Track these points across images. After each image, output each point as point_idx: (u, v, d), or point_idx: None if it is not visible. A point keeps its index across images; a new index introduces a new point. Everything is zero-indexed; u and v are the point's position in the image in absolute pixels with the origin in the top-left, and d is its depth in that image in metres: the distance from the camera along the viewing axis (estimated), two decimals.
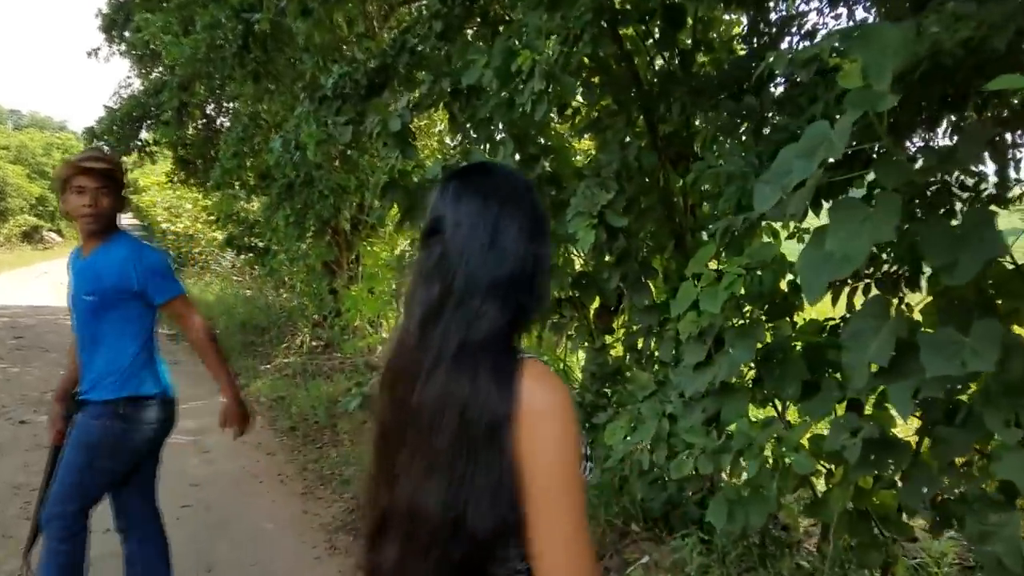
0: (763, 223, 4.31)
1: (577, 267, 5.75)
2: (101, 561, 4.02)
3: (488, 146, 4.79)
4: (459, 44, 5.48)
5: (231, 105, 13.35)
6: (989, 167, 3.07)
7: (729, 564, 3.85)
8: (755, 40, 4.84)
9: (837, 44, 2.65)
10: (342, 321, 11.07)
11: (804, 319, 4.03)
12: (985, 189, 2.98)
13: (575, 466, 1.27)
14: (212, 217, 15.30)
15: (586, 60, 4.40)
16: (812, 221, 3.68)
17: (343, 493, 5.82)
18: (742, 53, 5.05)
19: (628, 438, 3.99)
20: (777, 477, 3.45)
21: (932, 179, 2.73)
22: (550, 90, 3.94)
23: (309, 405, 8.12)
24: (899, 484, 3.33)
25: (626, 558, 4.47)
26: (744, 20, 5.12)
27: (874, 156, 2.83)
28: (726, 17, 5.36)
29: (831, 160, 2.54)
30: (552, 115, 5.01)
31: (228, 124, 13.23)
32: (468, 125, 5.18)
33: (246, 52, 7.21)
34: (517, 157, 5.01)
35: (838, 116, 2.46)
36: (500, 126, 4.66)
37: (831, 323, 3.93)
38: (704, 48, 5.12)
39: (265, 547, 4.98)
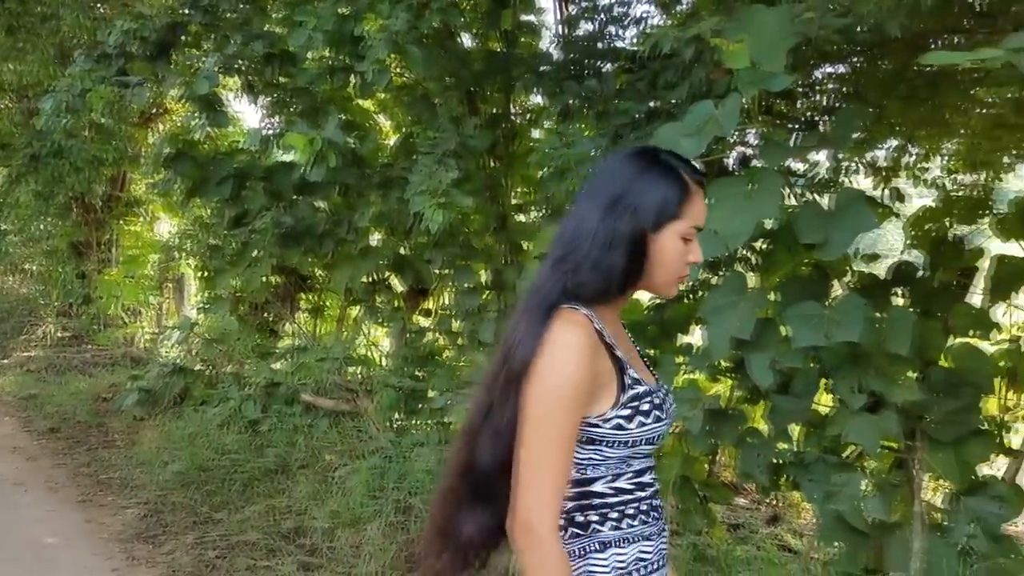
0: None
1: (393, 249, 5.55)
2: None
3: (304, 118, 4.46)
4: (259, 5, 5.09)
5: None
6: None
7: None
8: (568, 27, 4.95)
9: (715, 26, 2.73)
10: (93, 309, 9.89)
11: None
12: (817, 175, 3.25)
13: (544, 406, 1.34)
14: None
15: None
16: None
17: (132, 498, 5.20)
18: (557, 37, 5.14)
19: None
20: None
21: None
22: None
23: (68, 403, 7.16)
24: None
25: None
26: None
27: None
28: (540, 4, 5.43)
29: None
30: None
31: None
32: (278, 93, 4.82)
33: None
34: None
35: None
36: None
37: (654, 303, 4.11)
38: (525, 29, 5.14)
39: (48, 563, 4.30)
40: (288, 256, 5.71)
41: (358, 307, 6.10)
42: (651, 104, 3.71)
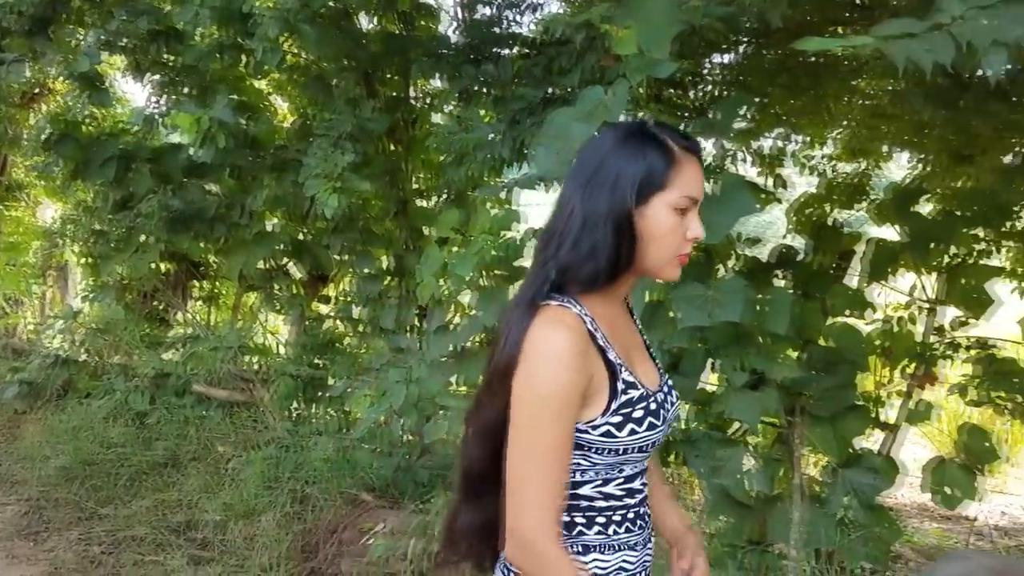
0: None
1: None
2: None
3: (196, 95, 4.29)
4: None
5: None
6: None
7: None
8: (467, 10, 4.91)
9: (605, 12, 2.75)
10: None
11: None
12: (705, 162, 3.33)
13: (534, 407, 1.25)
14: None
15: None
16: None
17: (11, 495, 4.94)
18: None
19: (375, 406, 3.88)
20: None
21: None
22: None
23: None
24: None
25: (361, 528, 4.36)
26: None
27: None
28: None
29: None
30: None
31: None
32: (166, 72, 4.62)
33: None
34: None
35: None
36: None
37: None
38: (424, 12, 5.07)
39: None
40: (178, 241, 5.49)
41: (254, 294, 5.94)
42: (547, 90, 3.73)
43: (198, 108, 4.29)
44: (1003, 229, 3.57)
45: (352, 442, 4.65)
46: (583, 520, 1.36)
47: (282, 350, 5.99)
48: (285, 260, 5.52)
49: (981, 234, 3.51)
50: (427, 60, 4.23)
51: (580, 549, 1.36)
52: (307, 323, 5.53)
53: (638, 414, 1.31)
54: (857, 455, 3.31)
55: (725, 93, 3.54)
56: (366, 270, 5.05)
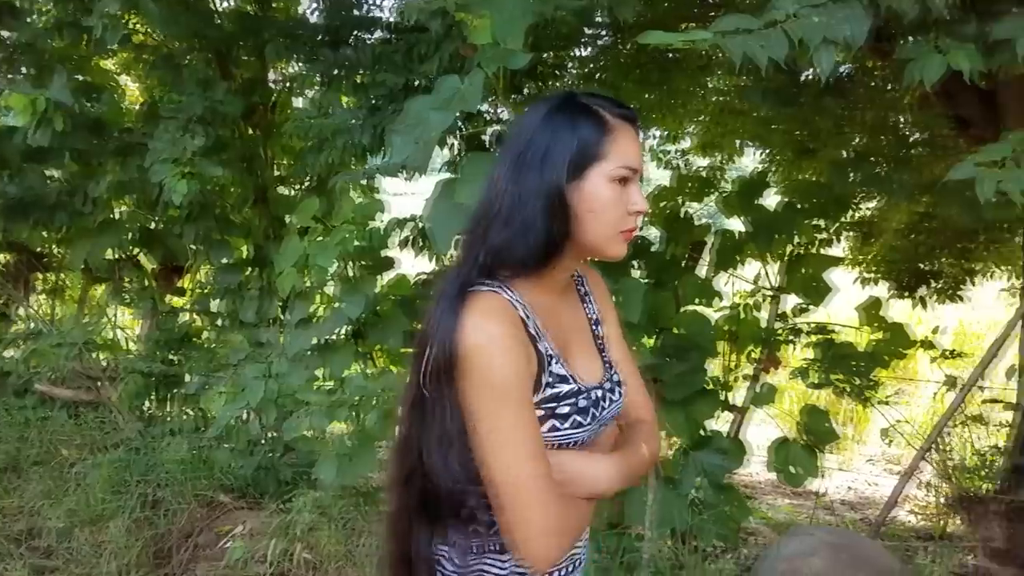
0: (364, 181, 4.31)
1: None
2: None
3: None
4: None
5: None
6: None
7: (336, 519, 3.85)
8: None
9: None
10: None
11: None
12: None
13: (498, 407, 1.14)
14: None
15: None
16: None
17: None
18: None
19: (230, 403, 3.72)
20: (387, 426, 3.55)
21: None
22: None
23: None
24: None
25: (218, 531, 4.20)
26: None
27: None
28: None
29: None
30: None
31: None
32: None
33: None
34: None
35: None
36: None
37: (421, 277, 4.12)
38: None
39: None
40: (16, 231, 5.09)
41: (102, 287, 5.57)
42: (408, 77, 3.67)
43: (35, 88, 3.96)
44: (843, 220, 3.81)
45: (209, 442, 4.46)
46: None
47: (132, 346, 5.67)
48: (135, 250, 5.20)
49: (822, 224, 3.72)
50: (283, 41, 4.06)
51: (498, 547, 1.26)
52: (160, 317, 5.24)
53: (564, 410, 1.22)
54: (707, 437, 3.45)
55: (582, 86, 3.59)
56: (224, 260, 4.83)
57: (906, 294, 5.07)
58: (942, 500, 4.37)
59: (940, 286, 5.01)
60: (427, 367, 1.18)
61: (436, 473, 1.19)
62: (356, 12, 4.13)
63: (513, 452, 1.14)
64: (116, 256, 5.17)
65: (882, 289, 5.33)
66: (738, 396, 3.91)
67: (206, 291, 5.10)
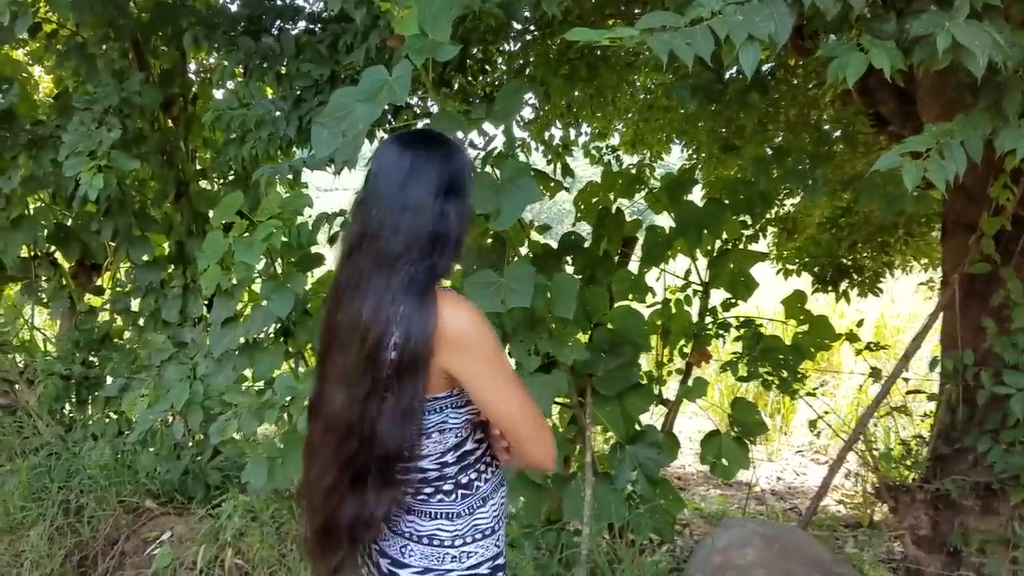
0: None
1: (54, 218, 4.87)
2: None
3: None
4: None
5: None
6: None
7: (267, 523, 3.76)
8: None
9: None
10: None
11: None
12: (495, 149, 3.33)
13: (503, 362, 1.49)
14: None
15: None
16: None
17: None
18: None
19: (152, 407, 3.59)
20: None
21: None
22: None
23: None
24: None
25: (145, 537, 4.06)
26: None
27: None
28: None
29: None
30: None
31: None
32: None
33: None
34: None
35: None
36: None
37: None
38: None
39: None
40: None
41: (16, 285, 5.30)
42: (333, 67, 3.59)
43: None
44: (767, 216, 3.87)
45: (132, 446, 4.31)
46: (475, 475, 1.59)
47: (50, 347, 5.43)
48: (52, 248, 4.97)
49: (748, 221, 3.78)
50: (199, 29, 3.92)
51: (480, 502, 1.60)
52: (78, 316, 5.02)
53: None
54: (641, 432, 3.48)
55: (510, 81, 3.57)
56: (144, 257, 4.65)
57: (829, 288, 5.19)
58: (868, 489, 4.51)
59: (861, 280, 5.15)
60: (401, 355, 1.41)
61: (388, 443, 1.44)
62: (278, 1, 4.02)
63: (520, 391, 1.50)
64: (31, 253, 4.94)
65: (804, 282, 5.46)
66: (669, 390, 3.96)
67: (126, 289, 4.90)
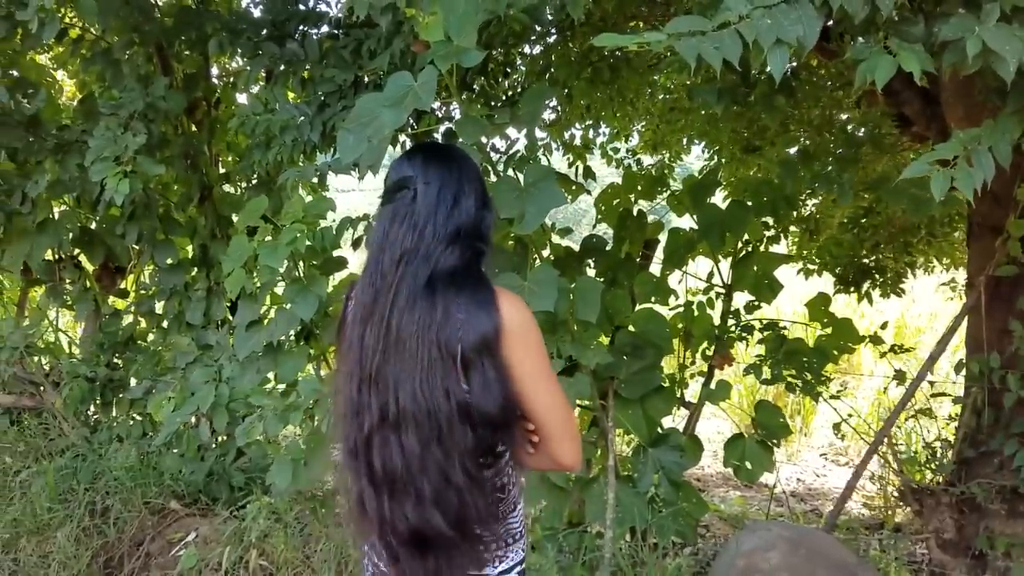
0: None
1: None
2: None
3: None
4: None
5: None
6: None
7: (291, 524, 3.79)
8: None
9: None
10: None
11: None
12: (517, 152, 3.35)
13: (547, 357, 1.55)
14: None
15: None
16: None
17: None
18: None
19: (179, 409, 3.62)
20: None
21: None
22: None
23: None
24: None
25: (170, 539, 4.10)
26: None
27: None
28: None
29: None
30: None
31: None
32: None
33: None
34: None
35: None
36: None
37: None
38: None
39: None
40: None
41: (42, 289, 5.37)
42: (357, 73, 3.61)
43: None
44: (791, 217, 3.85)
45: (157, 448, 4.35)
46: (507, 479, 1.60)
47: (75, 349, 5.49)
48: (77, 251, 5.03)
49: (770, 222, 3.76)
50: (224, 35, 3.95)
51: (512, 507, 1.62)
52: (103, 319, 5.08)
53: None
54: (664, 434, 3.47)
55: (533, 84, 3.57)
56: (168, 260, 4.70)
57: (851, 289, 5.16)
58: (892, 492, 4.48)
59: (883, 280, 5.12)
60: (476, 344, 1.45)
61: (491, 412, 1.47)
62: (302, 6, 4.04)
63: (559, 387, 1.57)
64: (56, 257, 5.00)
65: (825, 282, 5.43)
66: (691, 393, 3.94)
67: (150, 292, 4.95)
